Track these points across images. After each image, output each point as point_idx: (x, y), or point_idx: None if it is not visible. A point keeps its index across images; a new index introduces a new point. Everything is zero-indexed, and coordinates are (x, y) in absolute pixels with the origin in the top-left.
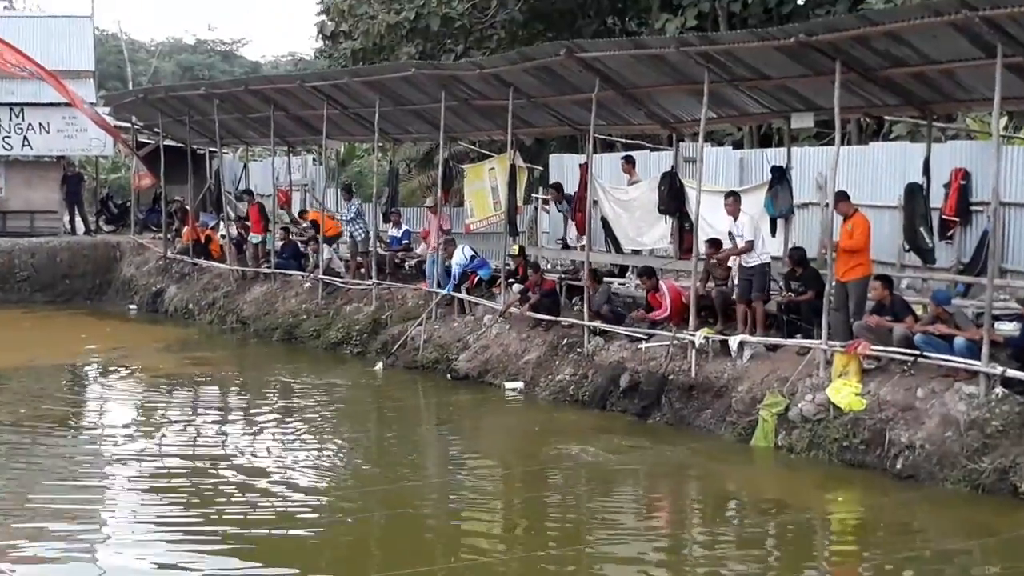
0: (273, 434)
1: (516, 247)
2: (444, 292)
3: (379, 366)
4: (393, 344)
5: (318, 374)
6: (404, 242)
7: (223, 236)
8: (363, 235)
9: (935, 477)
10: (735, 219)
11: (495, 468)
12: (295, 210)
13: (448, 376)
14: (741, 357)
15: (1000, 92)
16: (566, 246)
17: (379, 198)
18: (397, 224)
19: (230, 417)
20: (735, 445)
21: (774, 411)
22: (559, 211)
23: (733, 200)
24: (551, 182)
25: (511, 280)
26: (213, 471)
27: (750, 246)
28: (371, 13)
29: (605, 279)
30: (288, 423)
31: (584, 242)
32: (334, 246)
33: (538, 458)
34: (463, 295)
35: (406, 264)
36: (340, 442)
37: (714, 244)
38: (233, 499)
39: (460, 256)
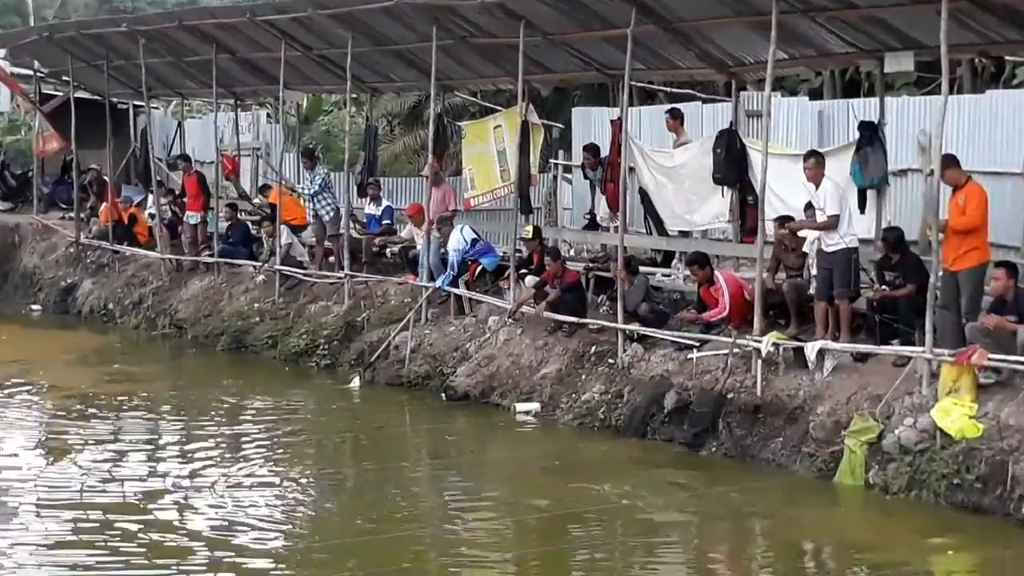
0: (217, 472)
1: (530, 228)
2: (437, 285)
3: (354, 383)
4: (372, 354)
5: (275, 393)
6: (385, 222)
7: (152, 216)
8: (332, 213)
9: None
10: (816, 186)
11: (504, 516)
12: (248, 183)
13: (443, 396)
14: (821, 369)
15: None
16: (594, 226)
17: (352, 166)
18: (376, 199)
19: (161, 450)
20: (814, 483)
21: (864, 439)
22: (589, 180)
23: (815, 162)
24: (583, 143)
25: (523, 271)
26: (137, 522)
27: (834, 222)
28: None
29: (642, 270)
30: (236, 457)
31: (617, 221)
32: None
33: (560, 503)
34: (461, 290)
35: (388, 251)
36: (304, 482)
37: (786, 224)
38: (161, 557)
39: (458, 240)
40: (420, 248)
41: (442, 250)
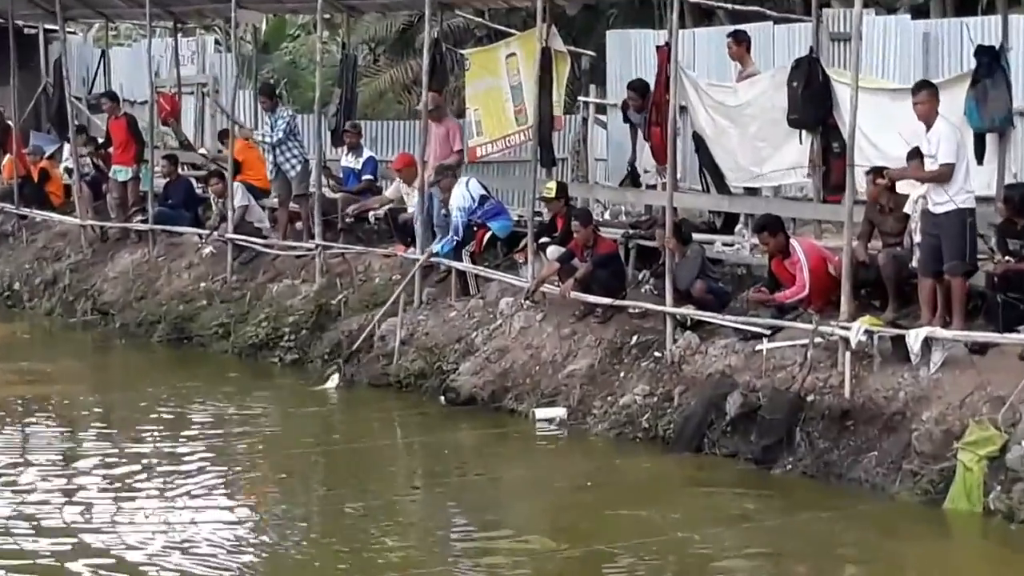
0: (151, 501)
1: (552, 185)
2: (434, 251)
3: (332, 383)
4: (351, 347)
5: (226, 397)
6: (366, 177)
7: (68, 171)
8: (299, 168)
9: None
10: (928, 127)
11: (525, 554)
12: (191, 129)
13: (442, 399)
14: (927, 364)
15: None
16: (636, 182)
17: (325, 106)
18: (355, 148)
19: (81, 472)
20: (918, 510)
21: (982, 453)
22: (630, 123)
23: (928, 95)
24: (625, 78)
25: (544, 240)
26: (48, 564)
27: (948, 172)
28: None
29: (696, 237)
30: (177, 481)
31: (665, 176)
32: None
33: (592, 537)
34: (466, 264)
35: (371, 215)
36: (263, 513)
37: (871, 175)
38: None
39: (463, 196)
40: (412, 210)
41: (443, 211)
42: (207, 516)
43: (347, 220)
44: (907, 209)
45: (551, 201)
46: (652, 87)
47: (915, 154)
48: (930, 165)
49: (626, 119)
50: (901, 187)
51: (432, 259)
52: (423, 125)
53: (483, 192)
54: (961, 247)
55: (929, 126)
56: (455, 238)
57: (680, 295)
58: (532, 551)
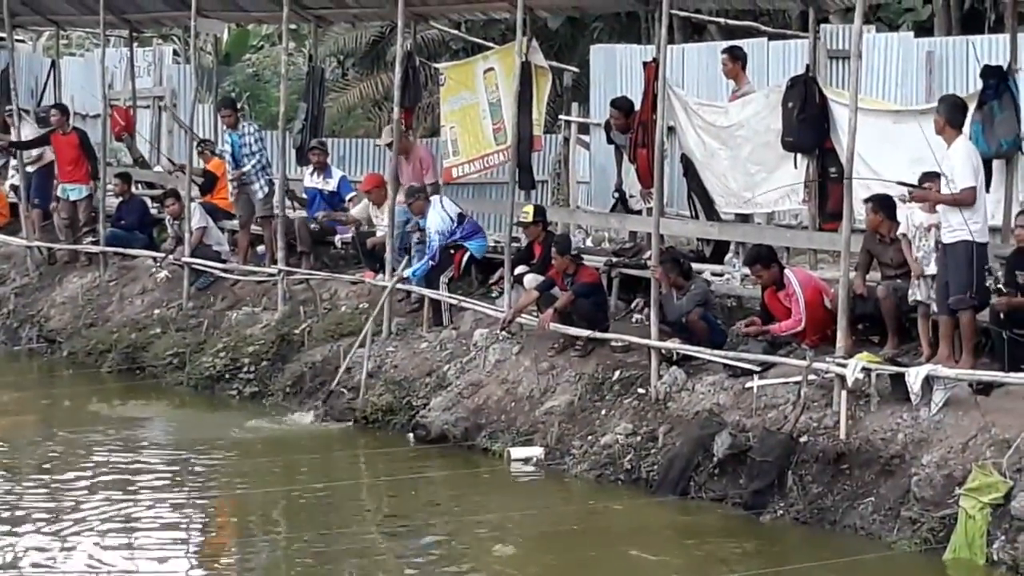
0: (94, 552)
1: (530, 209)
2: (406, 275)
3: (309, 416)
4: (314, 379)
5: (183, 434)
6: (350, 196)
7: (14, 188)
8: (267, 188)
9: None
10: (948, 144)
11: None
12: (146, 145)
13: (411, 436)
14: (928, 404)
15: None
16: (626, 207)
17: (290, 123)
18: (322, 168)
19: (20, 523)
20: (917, 560)
21: (986, 501)
22: (614, 144)
23: (947, 111)
24: (609, 96)
25: (522, 269)
26: None
27: (970, 196)
28: None
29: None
30: (122, 532)
31: (651, 201)
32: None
33: None
34: (440, 292)
35: (337, 239)
36: (217, 568)
37: (883, 207)
38: None
39: (441, 219)
40: (381, 234)
41: (414, 235)
42: (159, 567)
43: (317, 235)
44: (902, 230)
45: (528, 226)
46: (638, 105)
47: (929, 176)
48: (945, 188)
49: (610, 140)
50: (900, 212)
51: (401, 286)
52: (394, 157)
53: (459, 210)
54: (968, 280)
55: (949, 143)
56: (431, 262)
57: (670, 327)
58: None
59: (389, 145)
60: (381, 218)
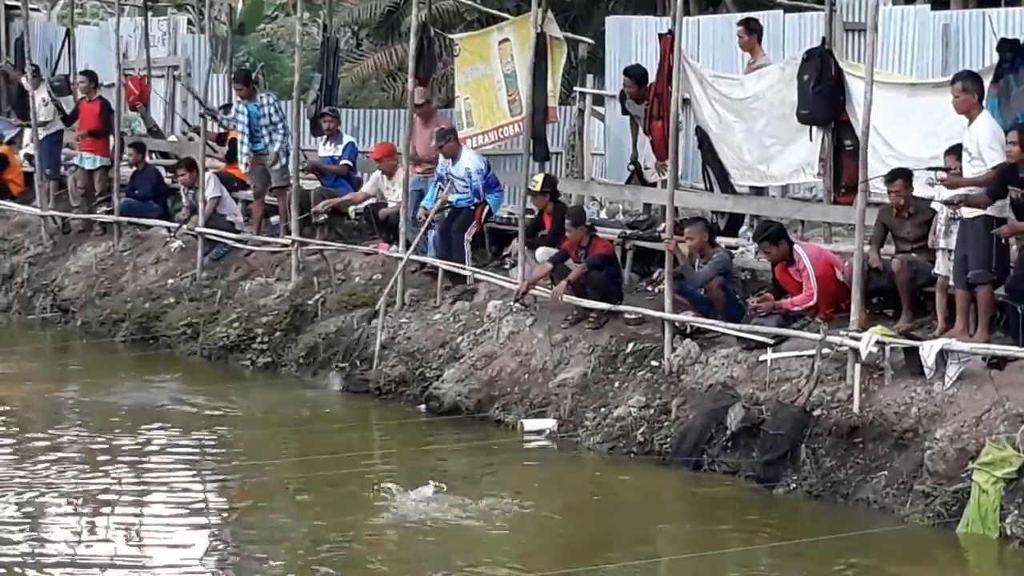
0: (115, 518)
1: (539, 178)
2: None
3: (334, 384)
4: (327, 350)
5: (194, 402)
6: (345, 162)
7: (29, 157)
8: (285, 159)
9: None
10: (970, 121)
11: (514, 565)
12: (161, 114)
13: (423, 408)
14: (942, 378)
15: None
16: (642, 179)
17: (304, 93)
18: (334, 136)
19: (35, 490)
20: (930, 534)
21: (999, 475)
22: (629, 115)
23: (964, 87)
24: (623, 65)
25: (535, 239)
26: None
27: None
28: None
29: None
30: (138, 502)
31: (665, 173)
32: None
33: (585, 557)
34: (453, 265)
35: (350, 209)
36: (234, 539)
37: (899, 180)
38: None
39: (475, 156)
40: (393, 205)
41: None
42: (170, 539)
43: (320, 218)
44: (936, 204)
45: (536, 195)
46: (653, 77)
47: (952, 150)
48: (968, 164)
49: (624, 110)
50: (920, 190)
51: (415, 256)
52: (409, 119)
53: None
54: (987, 255)
55: (971, 120)
56: (499, 192)
57: (687, 297)
58: (518, 572)
59: (419, 106)
60: (392, 190)
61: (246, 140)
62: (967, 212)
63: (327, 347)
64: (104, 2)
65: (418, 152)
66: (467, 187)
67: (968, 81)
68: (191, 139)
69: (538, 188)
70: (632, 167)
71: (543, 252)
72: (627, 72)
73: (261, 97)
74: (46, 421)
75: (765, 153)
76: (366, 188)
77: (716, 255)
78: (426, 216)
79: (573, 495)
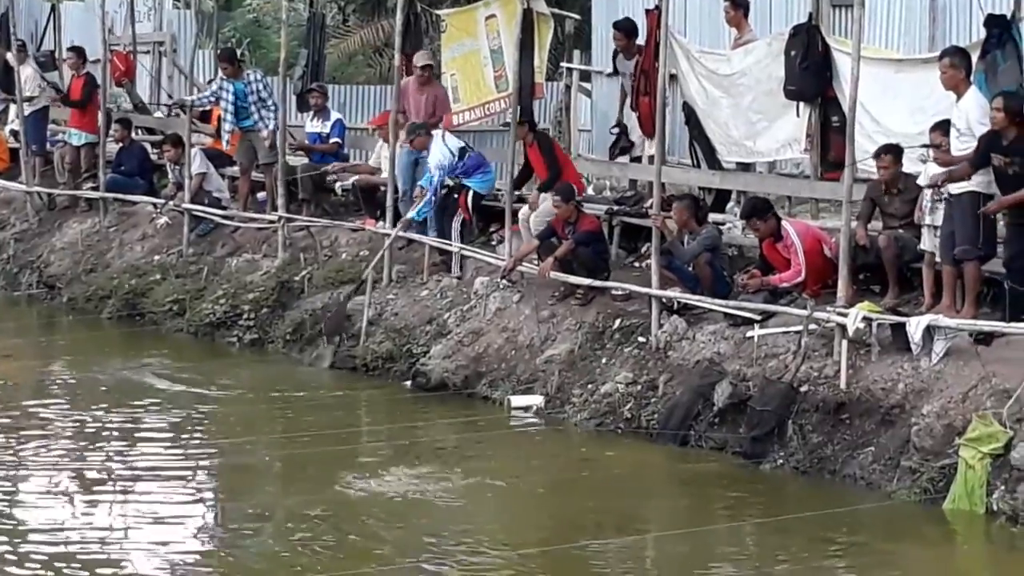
0: (102, 496)
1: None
2: (410, 217)
3: (324, 359)
4: (314, 326)
5: (180, 379)
6: (334, 140)
7: (14, 133)
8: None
9: None
10: (958, 98)
11: (496, 553)
12: (146, 90)
13: (410, 384)
14: (929, 354)
15: None
16: (626, 138)
17: (290, 69)
18: (321, 112)
19: (23, 471)
20: (916, 510)
21: (986, 451)
22: (620, 73)
23: (952, 62)
24: (615, 28)
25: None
26: None
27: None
28: None
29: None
30: (130, 486)
31: (652, 149)
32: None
33: (572, 533)
34: (440, 240)
35: (338, 186)
36: (220, 512)
37: (888, 156)
38: None
39: (442, 153)
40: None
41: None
42: (157, 516)
43: (336, 185)
44: (920, 182)
45: (520, 127)
46: (641, 53)
47: (938, 126)
48: (956, 140)
49: (615, 70)
50: (908, 166)
51: (403, 233)
52: (396, 85)
53: (461, 144)
54: (974, 231)
55: (959, 96)
56: (431, 199)
57: (675, 273)
58: (503, 549)
59: (423, 68)
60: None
61: (229, 117)
62: (954, 188)
63: (314, 324)
64: None
65: (412, 118)
66: (429, 180)
67: (956, 57)
68: (176, 115)
69: (519, 121)
70: (617, 129)
71: (525, 214)
72: (616, 25)
73: (248, 74)
74: (32, 397)
75: (752, 129)
76: (373, 161)
77: (704, 231)
78: (422, 195)
79: (560, 471)
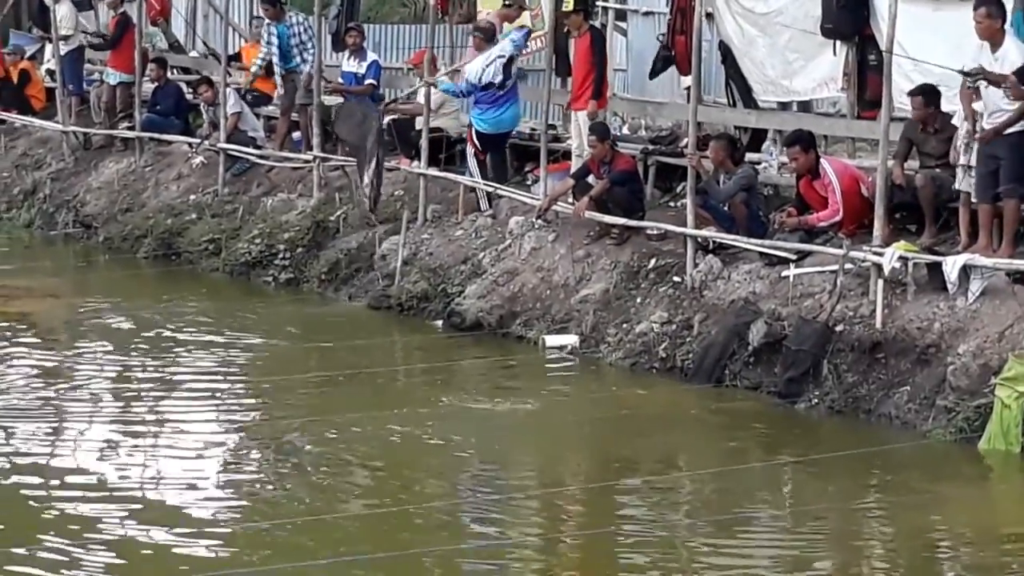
0: (141, 431)
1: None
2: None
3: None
4: (349, 266)
5: (216, 318)
6: (369, 82)
7: (50, 72)
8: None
9: None
10: (993, 47)
11: (533, 489)
12: (182, 29)
13: (445, 323)
14: (965, 293)
15: None
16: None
17: (326, 8)
18: (358, 52)
19: (62, 396)
20: (951, 449)
21: (1022, 389)
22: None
23: (988, 12)
24: None
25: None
26: (32, 501)
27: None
28: None
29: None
30: (165, 410)
31: (689, 86)
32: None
33: (606, 471)
34: (474, 180)
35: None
36: (262, 445)
37: (933, 99)
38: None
39: (479, 68)
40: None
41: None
42: (194, 456)
43: (386, 118)
44: (956, 121)
45: (570, 15)
46: None
47: (973, 74)
48: (993, 90)
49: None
50: (945, 105)
51: (437, 173)
52: (431, 25)
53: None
54: (1021, 169)
55: (995, 46)
56: (474, 85)
57: (711, 212)
58: (540, 486)
59: (480, 30)
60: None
61: (277, 60)
62: (994, 126)
63: (348, 263)
64: None
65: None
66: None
67: (992, 6)
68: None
69: (571, 7)
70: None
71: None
72: None
73: (290, 16)
74: (69, 336)
75: (788, 68)
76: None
77: (740, 170)
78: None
79: (595, 411)
